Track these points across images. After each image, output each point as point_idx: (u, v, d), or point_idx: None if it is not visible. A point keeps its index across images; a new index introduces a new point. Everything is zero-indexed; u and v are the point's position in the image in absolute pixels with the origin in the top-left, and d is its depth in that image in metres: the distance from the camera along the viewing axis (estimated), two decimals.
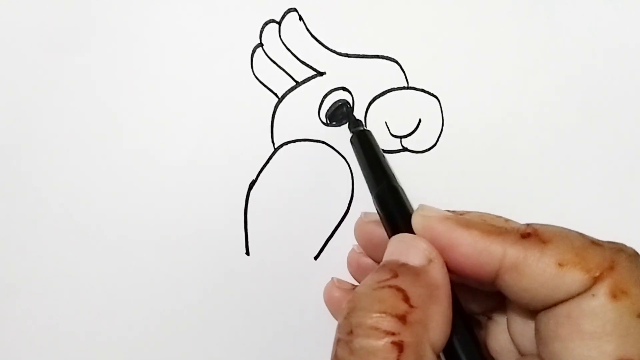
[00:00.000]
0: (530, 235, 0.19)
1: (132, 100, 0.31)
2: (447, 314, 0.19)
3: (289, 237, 0.30)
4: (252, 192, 0.30)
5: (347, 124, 0.30)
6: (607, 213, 0.30)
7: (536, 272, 0.18)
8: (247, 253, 0.30)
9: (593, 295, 0.18)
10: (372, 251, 0.27)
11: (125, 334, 0.30)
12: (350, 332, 0.17)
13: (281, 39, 0.30)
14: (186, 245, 0.30)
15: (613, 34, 0.31)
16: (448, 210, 0.22)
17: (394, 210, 0.24)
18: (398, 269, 0.19)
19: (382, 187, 0.25)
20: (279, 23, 0.31)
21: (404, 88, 0.31)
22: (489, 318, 0.24)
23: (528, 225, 0.20)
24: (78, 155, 0.30)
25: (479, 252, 0.19)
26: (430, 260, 0.19)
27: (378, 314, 0.17)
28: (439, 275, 0.19)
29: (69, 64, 0.31)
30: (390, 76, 0.31)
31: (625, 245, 0.19)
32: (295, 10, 0.30)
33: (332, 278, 0.29)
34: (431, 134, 0.31)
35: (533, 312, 0.20)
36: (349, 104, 0.31)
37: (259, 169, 0.30)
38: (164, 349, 0.30)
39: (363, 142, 0.28)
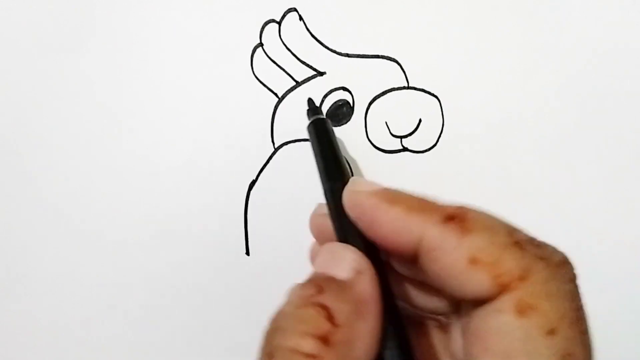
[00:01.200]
0: (454, 219, 0.17)
1: (132, 100, 0.31)
2: (375, 331, 0.17)
3: (289, 237, 0.30)
4: (252, 192, 0.30)
5: (307, 111, 0.28)
6: (607, 213, 0.30)
7: (448, 262, 0.17)
8: (247, 253, 0.30)
9: (498, 309, 0.16)
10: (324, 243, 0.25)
11: (125, 333, 0.30)
12: (271, 354, 0.16)
13: (281, 39, 0.30)
14: (186, 245, 0.30)
15: (613, 34, 0.31)
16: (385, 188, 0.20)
17: (340, 207, 0.22)
18: (324, 283, 0.18)
19: (332, 184, 0.23)
20: (279, 23, 0.30)
21: (404, 88, 0.31)
22: (449, 320, 0.23)
23: (459, 207, 0.18)
24: (78, 155, 0.30)
25: (399, 230, 0.18)
26: (358, 272, 0.18)
27: (299, 336, 0.16)
28: (366, 288, 0.18)
29: (69, 64, 0.31)
30: (390, 76, 0.31)
31: (553, 252, 0.17)
32: (295, 10, 0.30)
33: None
34: (431, 134, 0.31)
35: (458, 306, 0.19)
36: (349, 104, 0.31)
37: (259, 169, 0.30)
38: (163, 348, 0.30)
39: (319, 131, 0.26)
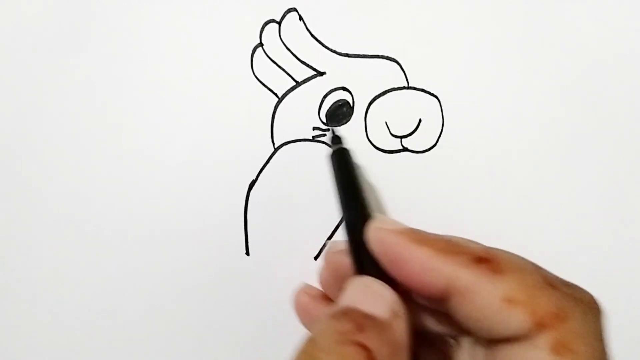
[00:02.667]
0: (486, 261, 0.18)
1: (131, 100, 0.31)
2: None
3: (289, 237, 0.30)
4: (252, 192, 0.30)
5: (331, 139, 0.28)
6: (607, 213, 0.30)
7: (482, 303, 0.17)
8: (247, 253, 0.30)
9: (535, 345, 0.16)
10: (341, 282, 0.25)
11: (124, 333, 0.30)
12: None
13: (281, 39, 0.30)
14: (186, 245, 0.30)
15: (614, 36, 0.31)
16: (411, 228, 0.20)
17: (360, 241, 0.22)
18: (363, 321, 0.18)
19: (352, 215, 0.23)
20: (279, 23, 0.30)
21: (404, 88, 0.31)
22: (457, 341, 0.23)
23: (487, 250, 0.18)
24: (77, 155, 0.30)
25: (428, 271, 0.18)
26: (395, 314, 0.18)
27: None
28: (403, 332, 0.18)
29: (69, 64, 0.31)
30: (390, 76, 0.31)
31: (584, 292, 0.18)
32: (295, 10, 0.30)
33: (302, 283, 0.28)
34: (431, 134, 0.31)
35: (485, 342, 0.19)
36: (349, 104, 0.31)
37: (259, 169, 0.30)
38: (163, 348, 0.30)
39: (340, 162, 0.26)
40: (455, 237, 0.20)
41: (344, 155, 0.27)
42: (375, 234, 0.20)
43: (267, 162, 0.30)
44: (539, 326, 0.16)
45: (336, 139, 0.28)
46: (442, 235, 0.20)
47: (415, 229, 0.20)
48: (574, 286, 0.18)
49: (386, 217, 0.21)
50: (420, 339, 0.22)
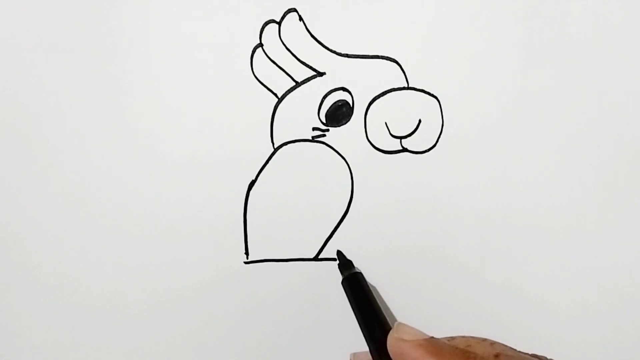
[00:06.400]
0: None
1: (131, 100, 0.31)
2: None
3: (289, 237, 0.30)
4: (251, 192, 0.30)
5: (338, 264, 0.30)
6: (606, 213, 0.30)
7: None
8: (247, 253, 0.30)
9: None
10: None
11: (124, 334, 0.30)
12: None
13: (281, 39, 0.30)
14: (185, 245, 0.30)
15: (614, 35, 0.31)
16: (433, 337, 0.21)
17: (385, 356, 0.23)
18: None
19: (374, 337, 0.25)
20: (279, 23, 0.31)
21: (404, 88, 0.31)
22: None
23: (497, 355, 0.19)
24: (76, 155, 0.31)
25: None
26: None
27: None
28: None
29: (69, 64, 0.31)
30: (390, 76, 0.31)
31: None
32: (295, 10, 0.30)
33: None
34: (431, 134, 0.31)
35: None
36: (349, 104, 0.31)
37: (258, 169, 0.30)
38: (162, 348, 0.30)
39: (354, 287, 0.28)
40: (472, 341, 0.20)
41: (357, 279, 0.28)
42: (395, 346, 0.21)
43: (267, 162, 0.30)
44: None
45: (345, 264, 0.29)
46: (458, 344, 0.20)
47: (433, 340, 0.21)
48: None
49: (406, 326, 0.22)
50: None
